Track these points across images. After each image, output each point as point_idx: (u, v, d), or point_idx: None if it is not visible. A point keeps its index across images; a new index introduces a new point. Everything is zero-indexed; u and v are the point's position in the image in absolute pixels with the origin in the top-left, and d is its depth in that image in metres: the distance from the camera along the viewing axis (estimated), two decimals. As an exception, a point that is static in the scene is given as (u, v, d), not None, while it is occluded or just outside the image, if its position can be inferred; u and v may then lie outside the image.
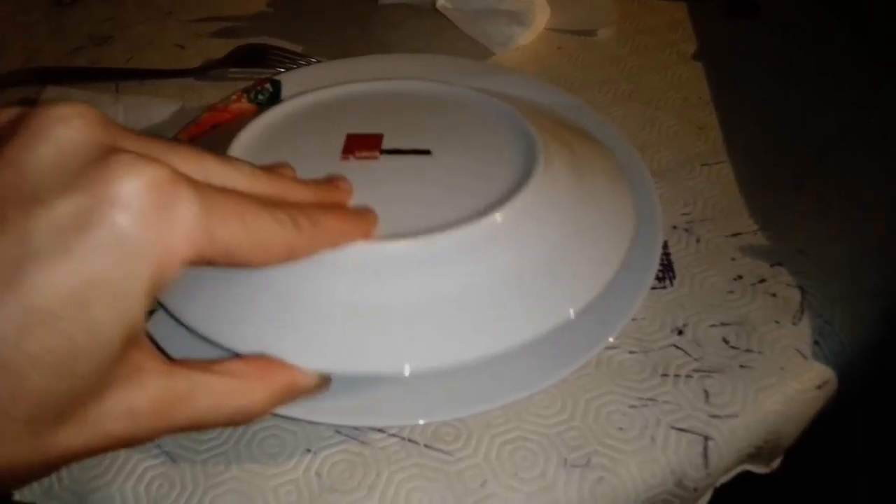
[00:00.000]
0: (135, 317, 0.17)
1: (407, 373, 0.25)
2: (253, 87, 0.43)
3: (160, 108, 0.46)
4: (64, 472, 0.28)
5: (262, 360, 0.23)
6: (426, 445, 0.28)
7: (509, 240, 0.28)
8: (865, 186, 0.39)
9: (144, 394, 0.19)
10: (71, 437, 0.17)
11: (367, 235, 0.26)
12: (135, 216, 0.17)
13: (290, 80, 0.43)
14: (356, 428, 0.29)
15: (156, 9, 0.56)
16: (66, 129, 0.18)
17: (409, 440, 0.29)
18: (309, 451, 0.28)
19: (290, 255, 0.22)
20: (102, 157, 0.17)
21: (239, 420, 0.22)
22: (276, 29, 0.52)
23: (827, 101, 0.44)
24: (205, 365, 0.21)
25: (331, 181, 0.27)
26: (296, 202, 0.23)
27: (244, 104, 0.42)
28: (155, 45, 0.52)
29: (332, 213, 0.24)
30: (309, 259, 0.24)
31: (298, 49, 0.50)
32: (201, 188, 0.19)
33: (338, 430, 0.29)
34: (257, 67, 0.48)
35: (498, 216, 0.28)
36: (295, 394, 0.24)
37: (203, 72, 0.49)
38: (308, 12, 0.55)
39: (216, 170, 0.21)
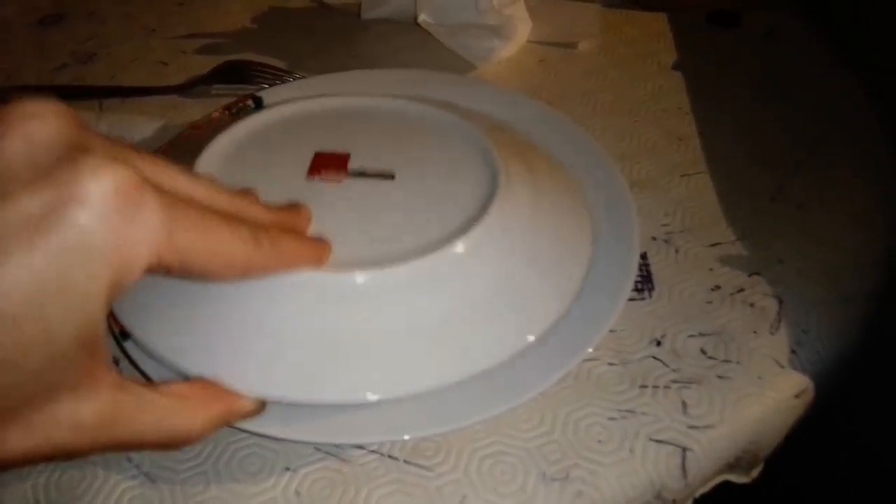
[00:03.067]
0: (92, 319, 0.17)
1: (365, 399, 0.25)
2: (235, 103, 0.43)
3: (143, 125, 0.46)
4: (41, 493, 0.27)
5: (205, 384, 0.23)
6: (406, 461, 0.28)
7: (465, 270, 0.28)
8: (844, 194, 0.39)
9: (93, 405, 0.19)
10: (16, 439, 0.17)
11: (320, 263, 0.27)
12: (98, 217, 0.17)
13: (271, 96, 0.43)
14: (336, 445, 0.29)
15: (139, 26, 0.57)
16: (39, 125, 0.18)
17: (389, 456, 0.29)
18: (288, 469, 0.28)
19: (247, 271, 0.22)
20: (72, 157, 0.17)
21: (176, 442, 0.22)
22: (259, 45, 0.53)
23: (805, 111, 0.45)
24: (150, 385, 0.21)
25: (292, 207, 0.28)
26: (256, 221, 0.23)
27: (226, 121, 0.42)
28: (138, 63, 0.52)
29: (291, 235, 0.25)
30: (264, 286, 0.25)
31: (281, 65, 0.50)
32: (166, 195, 0.19)
33: (317, 447, 0.29)
34: (240, 84, 0.48)
35: (454, 248, 0.28)
36: (232, 419, 0.24)
37: (186, 88, 0.49)
38: (291, 28, 0.55)
39: (181, 181, 0.21)
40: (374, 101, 0.38)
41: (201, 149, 0.33)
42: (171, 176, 0.21)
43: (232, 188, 0.24)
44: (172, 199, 0.19)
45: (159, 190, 0.19)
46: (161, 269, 0.19)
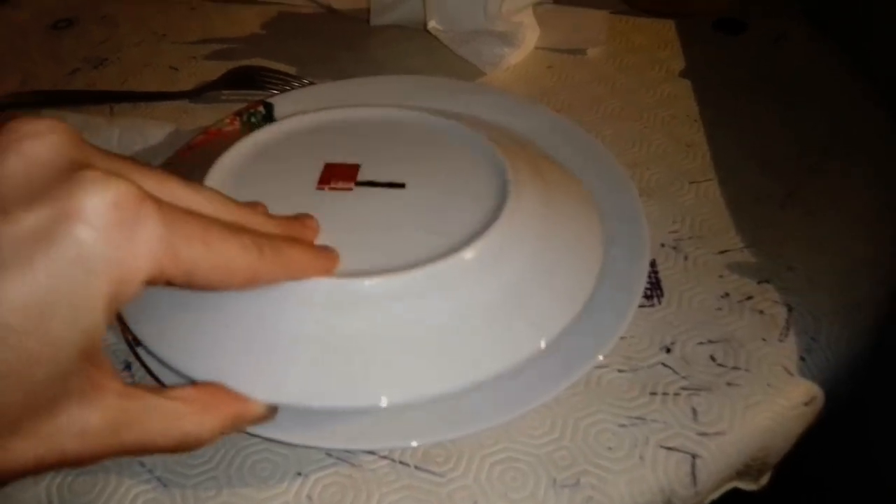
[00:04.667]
0: (93, 331, 0.18)
1: (377, 405, 0.26)
2: (246, 109, 0.44)
3: (154, 130, 0.46)
4: (55, 496, 0.28)
5: (214, 388, 0.24)
6: (417, 467, 0.28)
7: (476, 276, 0.28)
8: (854, 201, 0.39)
9: (99, 412, 0.19)
10: (23, 449, 0.18)
11: (327, 272, 0.27)
12: (97, 232, 0.17)
13: (282, 102, 0.44)
14: (347, 450, 0.29)
15: (150, 31, 0.57)
16: (37, 143, 0.18)
17: (400, 462, 0.29)
18: (300, 474, 0.28)
19: (252, 281, 0.22)
20: (70, 173, 0.17)
21: (186, 446, 0.22)
22: (269, 51, 0.53)
23: (813, 117, 0.45)
24: (157, 389, 0.21)
25: (298, 218, 0.28)
26: (261, 232, 0.24)
27: (237, 127, 0.42)
28: (150, 68, 0.53)
29: (296, 245, 0.25)
30: (274, 293, 0.25)
31: (292, 70, 0.50)
32: (166, 207, 0.19)
33: (328, 452, 0.29)
34: (251, 89, 0.49)
35: (465, 254, 0.28)
36: (243, 423, 0.24)
37: (197, 94, 0.49)
38: (301, 34, 0.55)
39: (183, 194, 0.22)
40: (384, 112, 0.38)
41: (212, 161, 0.33)
42: (173, 189, 0.22)
43: (238, 201, 0.25)
44: (173, 212, 0.19)
45: (159, 202, 0.19)
46: (164, 281, 0.19)
